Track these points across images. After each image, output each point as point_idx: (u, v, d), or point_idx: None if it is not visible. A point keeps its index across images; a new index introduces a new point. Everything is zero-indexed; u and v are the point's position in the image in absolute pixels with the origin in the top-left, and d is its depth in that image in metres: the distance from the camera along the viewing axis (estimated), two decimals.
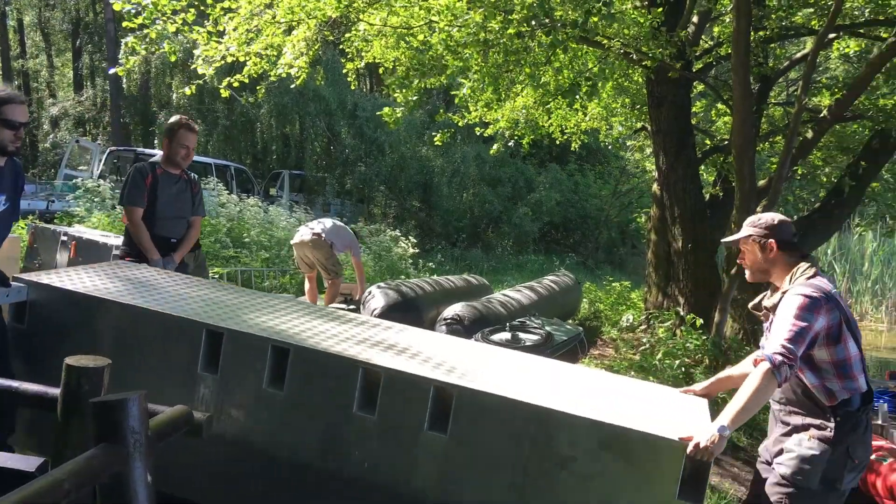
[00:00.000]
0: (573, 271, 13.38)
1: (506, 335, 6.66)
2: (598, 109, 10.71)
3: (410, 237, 13.24)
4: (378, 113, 6.94)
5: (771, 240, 2.87)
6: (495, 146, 11.15)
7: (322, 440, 2.71)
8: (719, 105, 10.08)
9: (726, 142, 8.72)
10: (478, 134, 11.48)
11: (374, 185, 18.96)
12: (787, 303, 2.68)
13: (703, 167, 9.40)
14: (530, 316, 7.56)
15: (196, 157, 11.39)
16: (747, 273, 2.99)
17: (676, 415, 2.75)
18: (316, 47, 7.84)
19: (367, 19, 7.80)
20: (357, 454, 2.66)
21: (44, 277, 3.32)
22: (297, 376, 2.75)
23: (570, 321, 9.24)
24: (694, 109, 9.76)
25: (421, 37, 7.79)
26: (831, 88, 9.16)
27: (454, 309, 7.21)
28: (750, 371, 2.66)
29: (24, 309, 3.19)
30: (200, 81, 8.15)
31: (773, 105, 9.68)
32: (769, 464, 2.80)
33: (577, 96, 10.26)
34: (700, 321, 6.98)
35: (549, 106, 10.15)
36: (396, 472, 2.62)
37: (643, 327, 9.03)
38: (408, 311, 6.98)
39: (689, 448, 2.40)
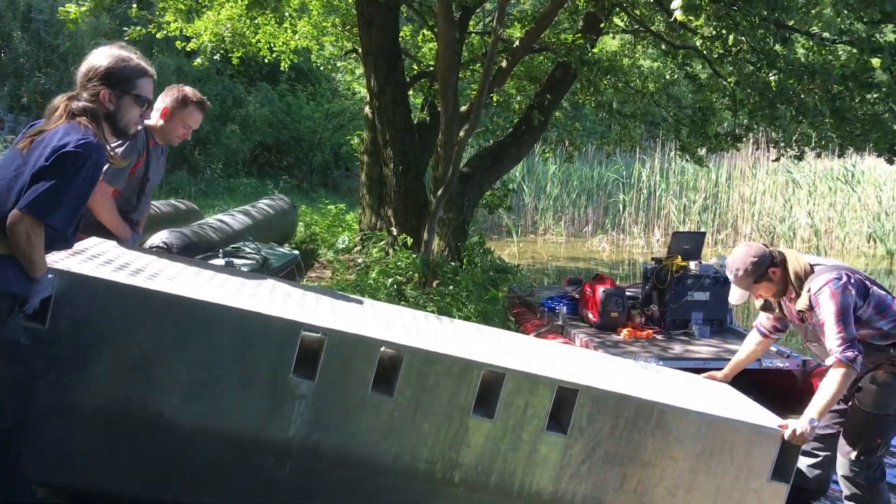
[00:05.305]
0: (288, 194, 13.21)
1: (220, 261, 6.41)
2: (308, 28, 10.45)
3: None
4: (60, 13, 5.92)
5: (770, 269, 3.15)
6: (199, 59, 10.40)
7: (432, 446, 2.60)
8: (425, 31, 10.42)
9: (432, 67, 9.08)
10: (179, 48, 10.60)
11: (55, 99, 16.66)
12: (822, 300, 3.02)
13: (411, 92, 9.72)
14: (245, 241, 7.35)
15: None
16: (773, 301, 3.28)
17: (733, 403, 3.11)
18: None
19: None
20: (469, 457, 2.63)
21: (73, 264, 2.45)
22: (410, 381, 2.56)
23: (286, 245, 9.17)
24: (402, 34, 9.98)
25: None
26: (522, 21, 9.95)
27: (160, 236, 6.73)
28: (755, 349, 3.48)
29: (47, 306, 2.35)
30: None
31: (473, 34, 10.26)
32: (846, 401, 3.21)
33: (287, 14, 9.90)
34: (411, 240, 7.35)
35: (256, 21, 9.67)
36: (511, 474, 2.66)
37: (358, 248, 9.28)
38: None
39: (787, 435, 2.81)
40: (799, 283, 3.13)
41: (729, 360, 3.69)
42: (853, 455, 3.17)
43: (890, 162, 7.34)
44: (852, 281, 3.06)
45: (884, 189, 16.04)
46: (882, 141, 6.67)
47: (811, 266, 3.15)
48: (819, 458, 3.32)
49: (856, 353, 2.94)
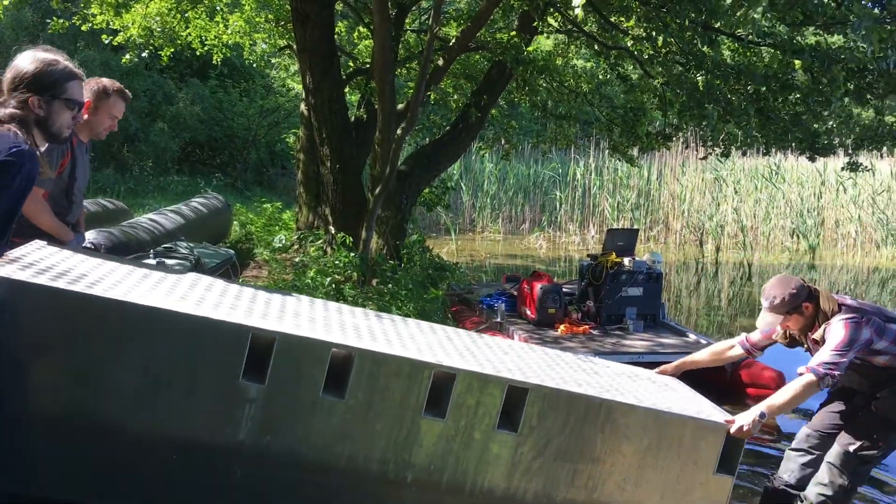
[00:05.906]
0: (222, 193, 12.94)
1: (151, 261, 6.23)
2: (240, 24, 10.25)
3: None
4: None
5: (805, 303, 3.19)
6: (127, 55, 10.08)
7: (385, 447, 2.59)
8: (361, 28, 10.35)
9: (368, 65, 9.03)
10: (105, 42, 10.25)
11: None
12: (834, 329, 3.12)
13: (347, 89, 9.64)
14: (177, 241, 7.17)
15: None
16: (797, 333, 3.30)
17: (681, 397, 3.14)
18: None
19: None
20: (422, 457, 2.63)
21: (13, 270, 2.33)
22: (361, 383, 2.54)
23: (221, 244, 8.98)
24: (337, 30, 9.88)
25: None
26: (458, 20, 9.98)
27: (87, 236, 6.52)
28: (714, 359, 3.58)
29: None
30: None
31: (409, 32, 10.24)
32: (860, 399, 3.32)
33: (218, 9, 9.69)
34: (349, 239, 7.30)
35: (186, 14, 9.43)
36: (463, 473, 2.67)
37: (296, 247, 9.16)
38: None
39: (733, 430, 2.86)
40: (825, 320, 3.21)
41: (663, 354, 3.77)
42: (851, 447, 3.25)
43: (812, 159, 7.66)
44: (870, 322, 3.17)
45: (805, 186, 16.72)
46: (803, 140, 6.97)
47: (839, 305, 3.24)
48: (813, 456, 3.40)
49: (828, 374, 3.03)
